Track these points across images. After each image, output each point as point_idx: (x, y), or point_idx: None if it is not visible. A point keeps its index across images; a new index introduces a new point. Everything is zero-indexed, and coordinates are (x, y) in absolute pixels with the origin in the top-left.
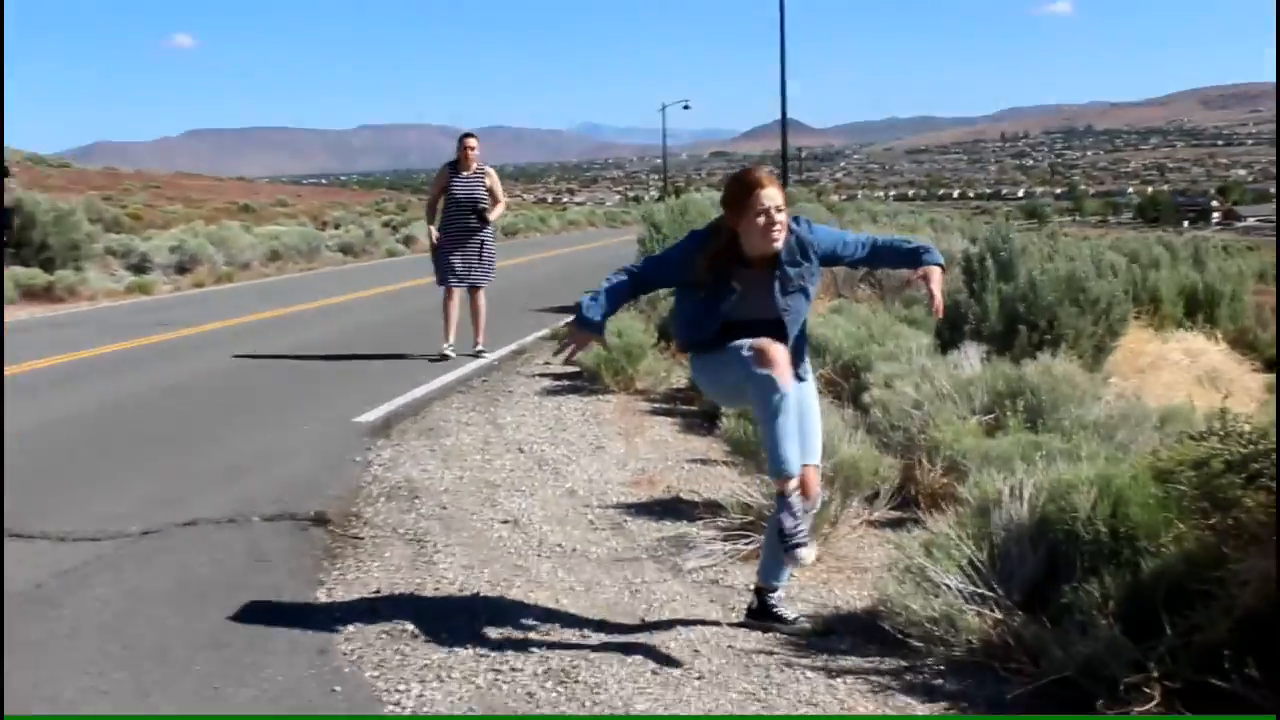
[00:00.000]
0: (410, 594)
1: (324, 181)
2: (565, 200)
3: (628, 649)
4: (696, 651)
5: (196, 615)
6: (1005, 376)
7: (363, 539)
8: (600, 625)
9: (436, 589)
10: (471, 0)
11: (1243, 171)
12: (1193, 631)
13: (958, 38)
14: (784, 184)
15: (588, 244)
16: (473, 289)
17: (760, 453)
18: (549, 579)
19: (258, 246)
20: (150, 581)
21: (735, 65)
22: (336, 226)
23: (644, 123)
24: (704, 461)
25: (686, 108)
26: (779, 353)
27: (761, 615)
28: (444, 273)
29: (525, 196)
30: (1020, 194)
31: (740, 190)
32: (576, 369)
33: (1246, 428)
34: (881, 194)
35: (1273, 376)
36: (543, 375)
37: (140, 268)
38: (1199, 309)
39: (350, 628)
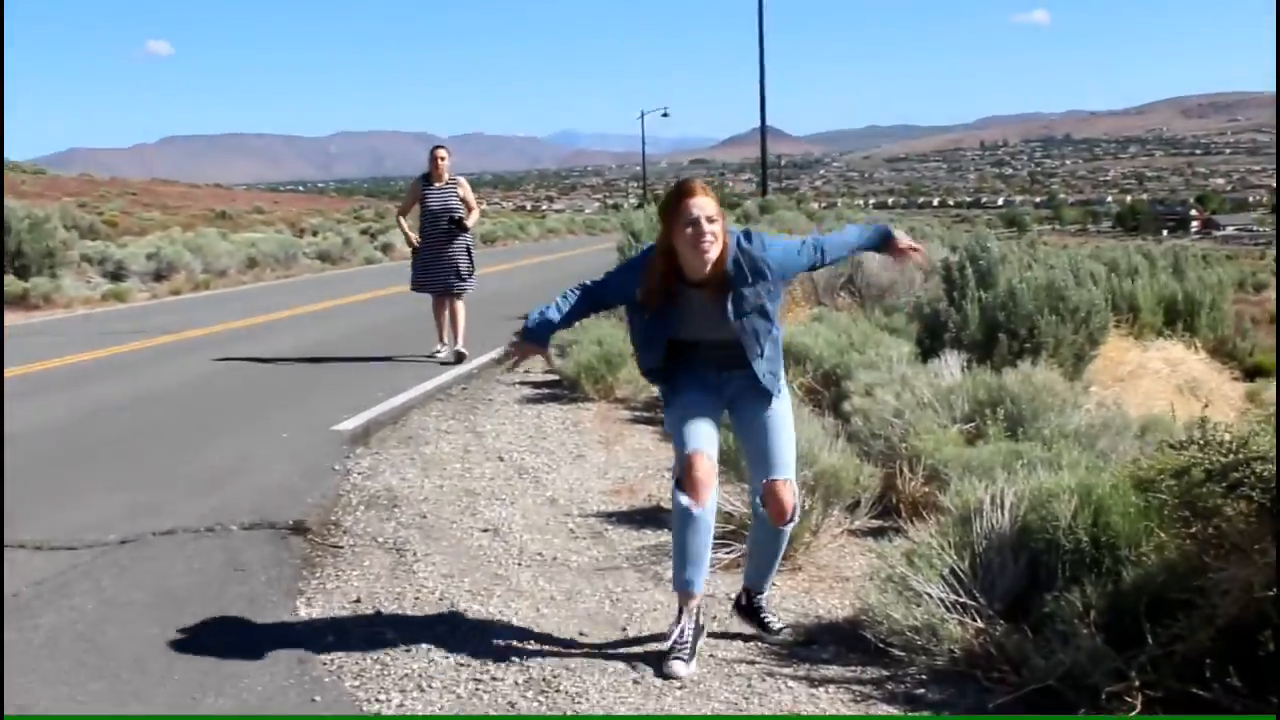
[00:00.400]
0: (390, 603)
1: (301, 188)
2: (544, 208)
3: (609, 658)
4: None
5: (174, 625)
6: (986, 385)
7: (342, 548)
8: (581, 634)
9: (417, 598)
10: (449, 7)
11: (1221, 180)
12: (1174, 640)
13: (937, 46)
14: (764, 190)
15: (567, 251)
16: (453, 297)
17: (741, 460)
18: (529, 588)
19: (235, 254)
20: (128, 591)
21: (714, 73)
22: (314, 234)
23: (622, 130)
24: None
25: (665, 115)
26: (702, 471)
27: (748, 614)
28: (423, 279)
29: (503, 204)
30: (1000, 202)
31: (670, 199)
32: (556, 377)
33: (1227, 437)
34: (861, 202)
35: (1253, 385)
36: (523, 383)
37: (116, 275)
38: (1178, 318)
39: (330, 637)
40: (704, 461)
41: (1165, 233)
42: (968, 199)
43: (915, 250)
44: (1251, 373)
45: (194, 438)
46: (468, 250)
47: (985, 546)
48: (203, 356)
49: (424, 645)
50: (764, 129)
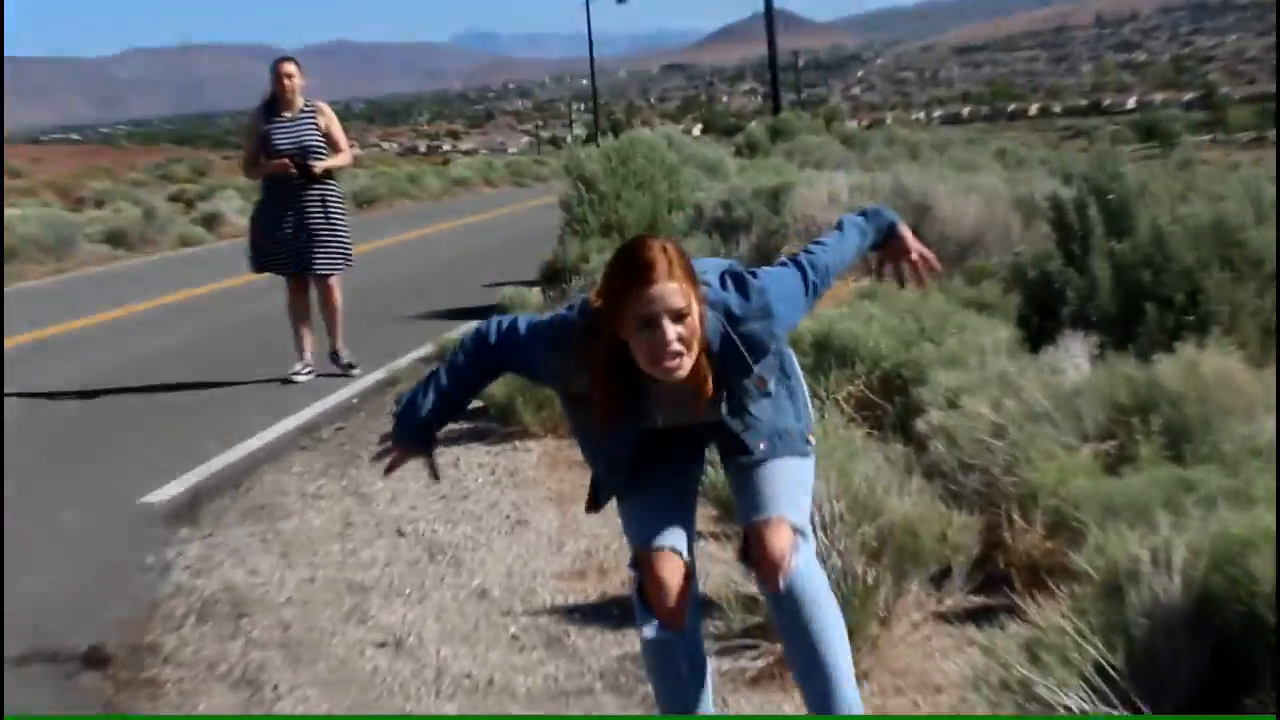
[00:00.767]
0: None
1: (77, 137)
2: (447, 149)
3: None
4: None
5: None
6: (1129, 382)
7: (163, 685)
8: None
9: None
10: None
11: None
12: None
13: None
14: (774, 106)
15: (485, 213)
16: (321, 279)
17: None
18: None
19: None
20: None
21: None
22: (99, 205)
23: (558, 26)
24: None
25: (621, 1)
26: (666, 572)
27: None
28: (268, 255)
29: (384, 146)
30: (1130, 104)
31: (616, 272)
32: (480, 403)
33: None
34: (921, 115)
35: None
36: None
37: None
38: None
39: None
40: (666, 561)
41: None
42: (1082, 101)
43: (926, 261)
44: None
45: None
46: (337, 208)
47: (1147, 629)
48: None
49: None
50: (770, 13)
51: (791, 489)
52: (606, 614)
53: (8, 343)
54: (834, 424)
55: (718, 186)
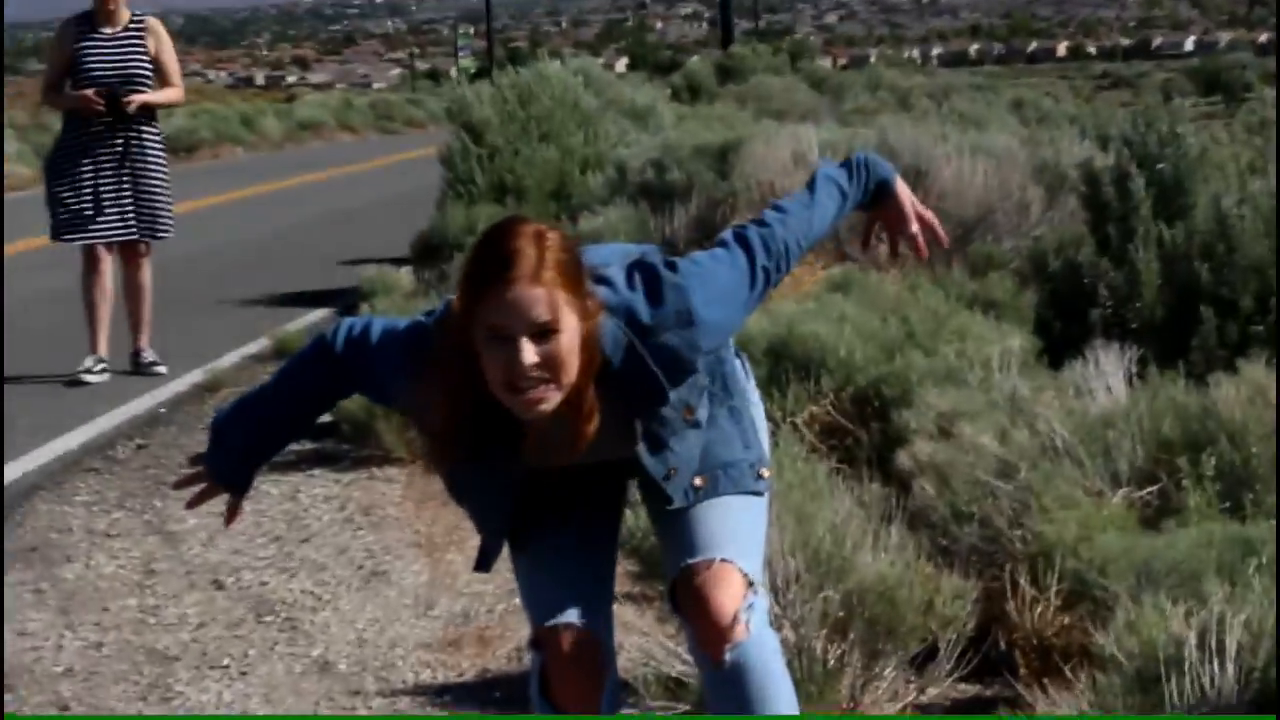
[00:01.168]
0: None
1: None
2: (292, 82)
3: None
4: None
5: None
6: (1177, 409)
7: None
8: None
9: None
10: None
11: None
12: None
13: None
14: (725, 38)
15: (344, 166)
16: (129, 248)
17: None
18: None
19: None
20: None
21: None
22: None
23: None
24: None
25: None
26: (572, 652)
27: None
28: (69, 218)
29: (211, 76)
30: (1187, 47)
31: (470, 265)
32: (330, 418)
33: None
34: (915, 54)
35: None
36: None
37: None
38: None
39: None
40: (576, 642)
41: None
42: (1124, 41)
43: (930, 229)
44: None
45: None
46: (158, 158)
47: None
48: None
49: None
50: None
51: (739, 529)
52: (486, 696)
53: None
54: (791, 455)
55: (648, 140)
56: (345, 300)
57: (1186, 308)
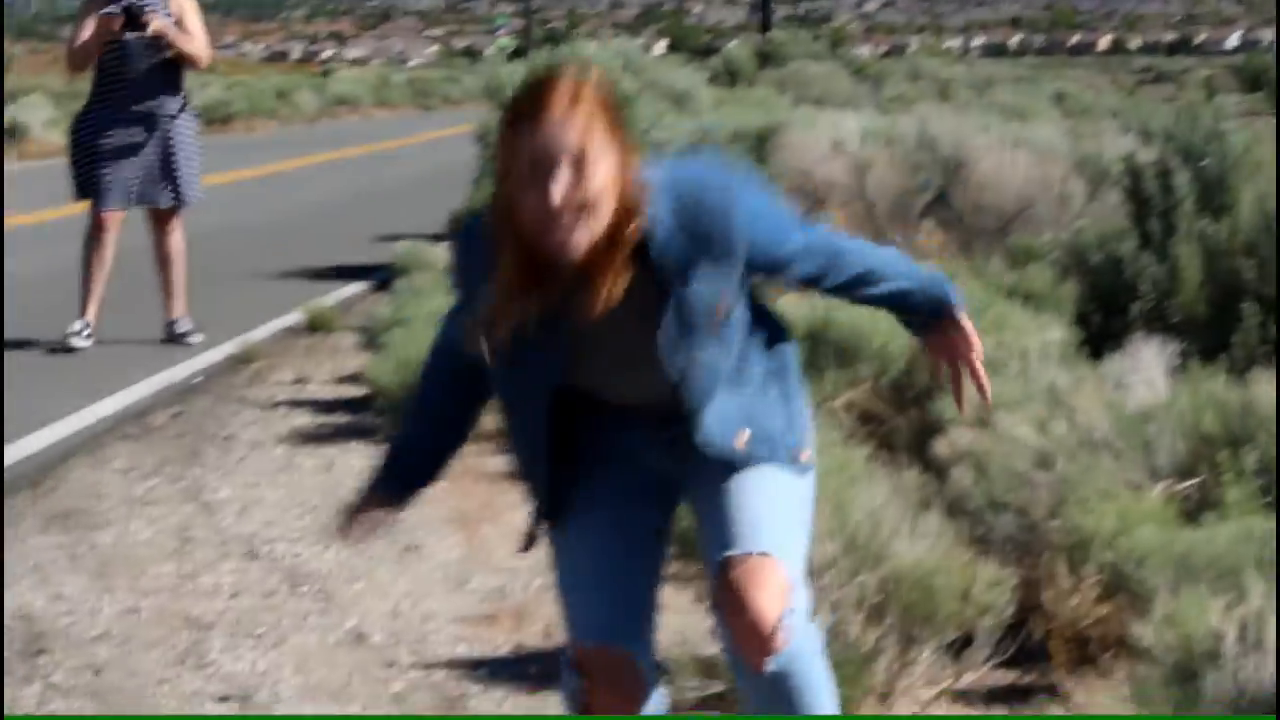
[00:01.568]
0: None
1: None
2: (328, 57)
3: None
4: None
5: None
6: (1218, 404)
7: None
8: None
9: None
10: None
11: None
12: None
13: None
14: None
15: (379, 143)
16: (159, 215)
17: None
18: None
19: None
20: None
21: None
22: None
23: None
24: None
25: None
26: (609, 677)
27: None
28: (99, 183)
29: (247, 49)
30: (1233, 43)
31: (506, 114)
32: (362, 392)
33: None
34: (956, 44)
35: None
36: (294, 403)
37: None
38: None
39: None
40: (620, 668)
41: None
42: (1168, 36)
43: (973, 361)
44: None
45: None
46: (188, 123)
47: None
48: None
49: None
50: None
51: (781, 513)
52: (521, 672)
53: None
54: (829, 440)
55: (686, 124)
56: (379, 276)
57: (1228, 304)
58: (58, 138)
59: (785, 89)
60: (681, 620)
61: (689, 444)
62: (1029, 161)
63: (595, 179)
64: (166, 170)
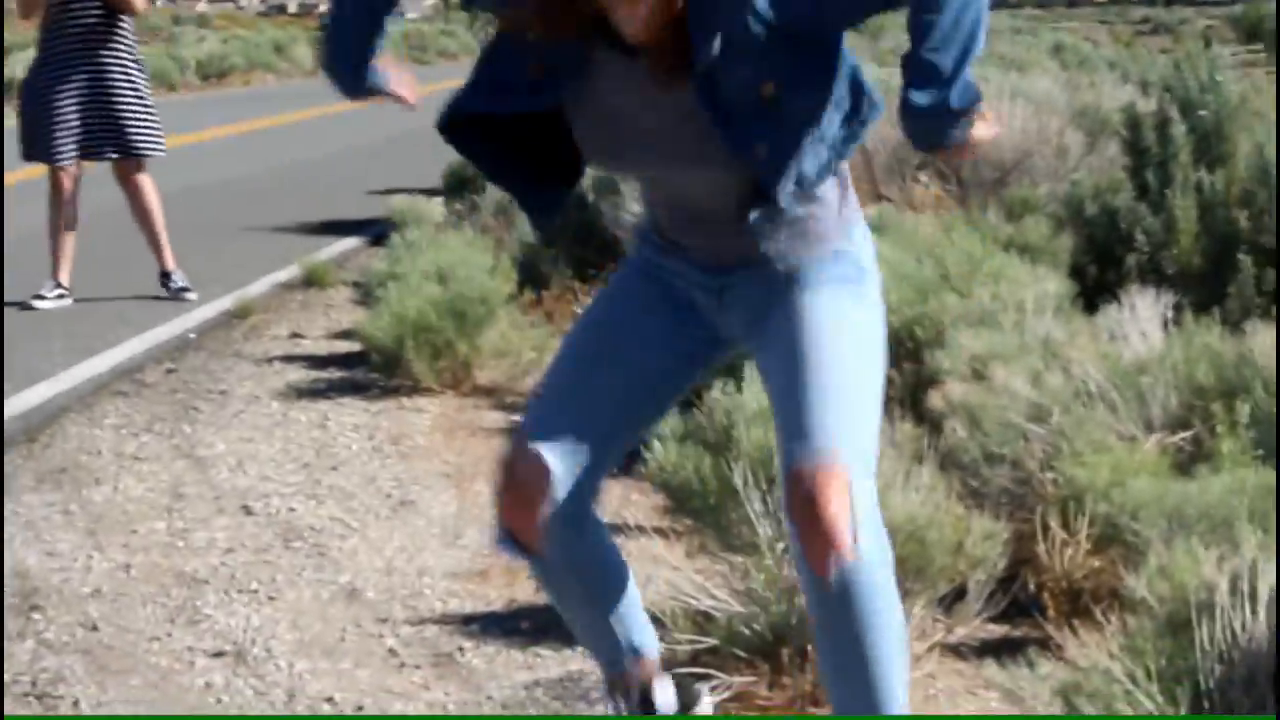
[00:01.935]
0: None
1: None
2: (323, 10)
3: None
4: None
5: None
6: (1213, 356)
7: None
8: None
9: None
10: None
11: None
12: None
13: None
14: None
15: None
16: (120, 170)
17: (724, 516)
18: None
19: None
20: None
21: None
22: None
23: None
24: (616, 528)
25: None
26: (521, 483)
27: None
28: (44, 140)
29: (244, 3)
30: None
31: None
32: (357, 347)
33: None
34: None
35: None
36: (288, 358)
37: None
38: None
39: None
40: (527, 468)
41: None
42: None
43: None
44: None
45: None
46: (139, 72)
47: (1219, 675)
48: None
49: None
50: None
51: (852, 386)
52: (514, 627)
53: None
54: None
55: None
56: (375, 230)
57: (1224, 255)
58: None
59: None
60: (674, 575)
61: (737, 295)
62: (1026, 113)
63: None
64: (113, 122)
